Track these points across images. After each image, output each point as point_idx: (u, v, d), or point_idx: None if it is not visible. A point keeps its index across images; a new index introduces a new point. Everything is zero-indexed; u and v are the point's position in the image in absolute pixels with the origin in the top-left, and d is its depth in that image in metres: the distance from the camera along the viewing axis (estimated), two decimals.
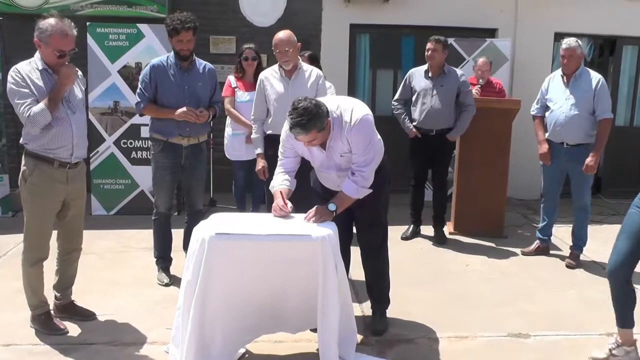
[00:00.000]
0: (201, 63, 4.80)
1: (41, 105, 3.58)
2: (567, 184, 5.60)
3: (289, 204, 3.63)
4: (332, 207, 3.62)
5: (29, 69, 3.65)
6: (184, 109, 4.55)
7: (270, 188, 3.83)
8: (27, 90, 3.59)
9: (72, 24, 3.70)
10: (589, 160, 5.24)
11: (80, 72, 4.01)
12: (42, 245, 3.89)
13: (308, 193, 4.05)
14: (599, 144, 5.29)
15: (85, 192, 4.12)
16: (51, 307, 4.09)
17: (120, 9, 7.50)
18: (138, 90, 4.68)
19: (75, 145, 3.79)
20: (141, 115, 4.80)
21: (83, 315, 4.16)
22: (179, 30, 4.48)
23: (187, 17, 4.52)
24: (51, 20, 3.61)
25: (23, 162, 3.77)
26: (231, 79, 6.01)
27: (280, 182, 3.74)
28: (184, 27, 4.48)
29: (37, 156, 3.72)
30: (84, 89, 4.01)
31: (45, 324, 3.95)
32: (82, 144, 3.89)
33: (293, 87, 4.66)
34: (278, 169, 3.83)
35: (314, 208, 3.62)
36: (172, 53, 4.68)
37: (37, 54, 3.70)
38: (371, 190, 3.69)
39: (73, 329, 4.00)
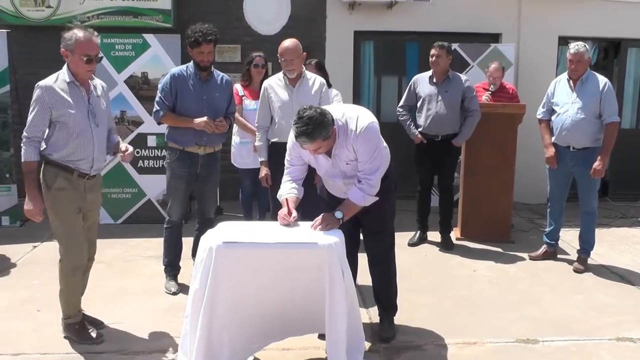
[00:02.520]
0: (219, 74, 4.84)
1: (32, 154, 3.69)
2: (574, 187, 5.58)
3: (294, 213, 3.65)
4: (338, 214, 3.63)
5: (57, 87, 3.71)
6: (204, 118, 4.57)
7: (278, 197, 3.84)
8: (42, 119, 3.69)
9: (96, 32, 3.81)
10: (596, 164, 5.22)
11: (104, 84, 4.08)
12: (79, 252, 3.90)
13: (314, 200, 4.07)
14: (606, 148, 5.27)
15: (100, 204, 4.17)
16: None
17: (126, 19, 7.55)
18: (157, 99, 4.68)
19: (96, 159, 3.86)
20: (159, 123, 4.81)
21: (92, 324, 4.16)
22: (200, 42, 4.52)
23: (208, 29, 4.56)
24: (75, 29, 3.74)
25: (42, 172, 3.80)
26: (238, 87, 6.02)
27: (288, 191, 3.76)
28: (206, 40, 4.52)
29: (58, 165, 3.77)
30: (108, 103, 4.06)
31: (79, 333, 3.96)
32: (101, 158, 3.96)
33: (297, 95, 4.69)
34: (285, 178, 3.84)
35: (321, 216, 3.63)
36: (191, 63, 4.71)
37: (65, 67, 3.78)
38: (377, 198, 3.70)
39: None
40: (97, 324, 4.18)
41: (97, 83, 3.99)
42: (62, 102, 3.69)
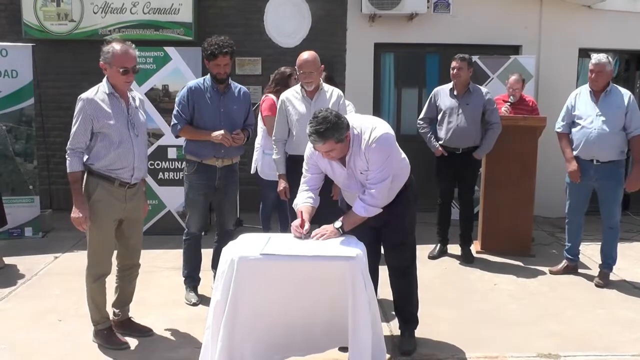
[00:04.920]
0: (236, 86, 4.85)
1: (77, 165, 3.82)
2: (593, 201, 5.53)
3: (306, 226, 3.64)
4: (337, 224, 3.64)
5: (98, 99, 3.84)
6: (222, 131, 4.60)
7: (293, 206, 3.86)
8: (84, 130, 3.82)
9: (133, 45, 3.96)
10: (633, 178, 5.23)
11: (140, 96, 4.23)
12: (105, 261, 4.03)
13: (331, 209, 4.08)
14: (638, 161, 5.25)
15: (142, 210, 4.25)
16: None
17: (147, 32, 7.66)
18: (175, 112, 4.72)
19: (136, 168, 3.98)
20: (177, 137, 4.85)
21: (140, 331, 4.25)
22: (216, 55, 4.55)
23: (224, 41, 4.58)
24: (113, 43, 3.90)
25: (85, 182, 3.91)
26: (274, 99, 5.94)
27: (304, 200, 3.77)
28: (222, 52, 4.55)
29: (100, 175, 3.89)
30: (145, 115, 4.20)
31: (107, 339, 4.05)
32: (142, 167, 4.07)
33: (315, 107, 4.66)
34: (302, 187, 3.86)
35: (321, 227, 3.65)
36: (209, 76, 4.74)
37: (104, 80, 3.93)
38: (381, 210, 3.68)
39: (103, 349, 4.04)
40: (146, 331, 4.27)
41: (136, 95, 4.14)
42: (103, 113, 3.82)
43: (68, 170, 3.85)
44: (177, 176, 6.87)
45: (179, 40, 7.59)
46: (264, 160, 6.06)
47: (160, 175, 6.95)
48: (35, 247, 6.33)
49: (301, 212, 3.71)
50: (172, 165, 6.94)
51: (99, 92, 3.88)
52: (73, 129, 3.84)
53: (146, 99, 6.77)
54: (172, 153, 6.89)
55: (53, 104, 7.62)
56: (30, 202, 6.81)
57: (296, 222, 3.67)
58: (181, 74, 6.80)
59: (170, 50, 6.89)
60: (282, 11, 7.93)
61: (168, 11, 7.64)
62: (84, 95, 3.84)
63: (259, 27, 7.95)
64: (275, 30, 7.95)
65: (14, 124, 6.70)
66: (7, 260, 5.82)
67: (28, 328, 4.36)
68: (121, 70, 3.84)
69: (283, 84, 5.97)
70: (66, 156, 3.86)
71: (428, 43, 8.10)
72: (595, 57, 5.29)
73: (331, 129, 3.42)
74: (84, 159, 3.88)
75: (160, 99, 6.89)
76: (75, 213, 3.83)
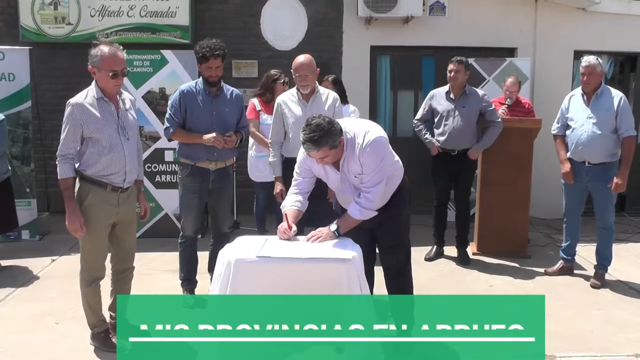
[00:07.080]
0: (229, 89, 4.85)
1: (68, 171, 3.78)
2: (590, 202, 5.55)
3: (294, 227, 3.65)
4: (333, 227, 3.65)
5: (87, 104, 3.78)
6: (213, 134, 4.60)
7: (281, 207, 3.86)
8: (74, 136, 3.78)
9: (121, 46, 3.88)
10: (617, 179, 5.20)
11: (132, 96, 4.19)
12: (98, 265, 4.01)
13: (327, 212, 4.08)
14: (626, 162, 5.24)
15: (135, 214, 4.24)
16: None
17: (144, 35, 7.67)
18: (167, 116, 4.72)
19: (128, 172, 3.94)
20: (170, 140, 4.86)
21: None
22: (208, 57, 4.54)
23: (215, 44, 4.58)
24: (100, 46, 3.81)
25: (77, 186, 3.88)
26: (255, 102, 6.06)
27: (292, 203, 3.77)
28: (213, 54, 4.54)
29: (92, 181, 3.85)
30: (135, 115, 4.16)
31: (104, 342, 4.06)
32: (134, 170, 4.03)
33: (311, 110, 4.70)
34: (292, 189, 3.86)
35: (317, 229, 3.66)
36: (201, 79, 4.74)
37: (93, 84, 3.85)
38: (376, 213, 3.70)
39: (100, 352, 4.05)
40: None
41: (126, 97, 4.07)
42: (92, 118, 3.77)
43: (59, 177, 3.78)
44: (174, 179, 6.87)
45: (176, 43, 7.61)
46: (253, 162, 6.13)
47: (157, 178, 6.95)
48: (32, 250, 6.33)
49: (286, 215, 3.71)
50: (169, 168, 6.95)
51: (87, 96, 3.81)
52: (62, 135, 3.78)
53: (143, 102, 6.81)
54: (169, 156, 6.89)
55: (50, 107, 7.62)
56: (28, 205, 6.81)
57: (283, 226, 3.66)
58: (178, 77, 6.80)
59: (167, 53, 6.89)
60: (278, 14, 7.95)
61: (165, 14, 7.65)
62: (72, 100, 3.79)
63: (256, 30, 7.97)
64: (272, 33, 7.98)
65: (11, 127, 6.68)
66: (5, 263, 5.83)
67: (25, 331, 4.37)
68: (110, 74, 3.76)
69: (267, 87, 6.04)
70: (56, 162, 3.80)
71: (424, 46, 8.12)
72: (585, 59, 5.32)
73: (325, 136, 3.43)
74: (76, 165, 3.84)
75: (157, 101, 6.88)
76: (69, 221, 3.79)
